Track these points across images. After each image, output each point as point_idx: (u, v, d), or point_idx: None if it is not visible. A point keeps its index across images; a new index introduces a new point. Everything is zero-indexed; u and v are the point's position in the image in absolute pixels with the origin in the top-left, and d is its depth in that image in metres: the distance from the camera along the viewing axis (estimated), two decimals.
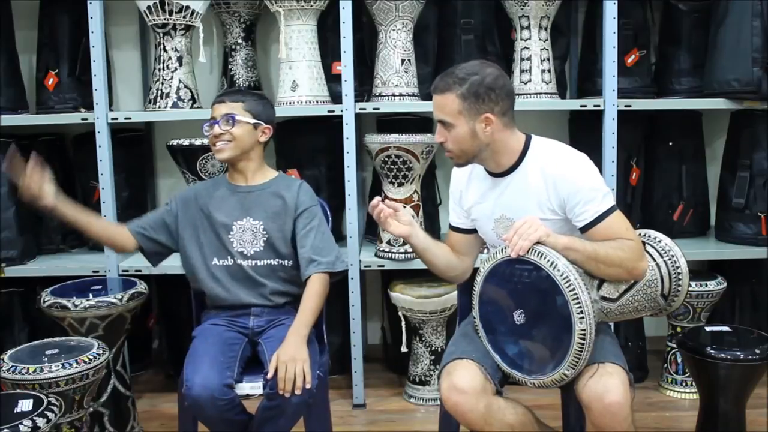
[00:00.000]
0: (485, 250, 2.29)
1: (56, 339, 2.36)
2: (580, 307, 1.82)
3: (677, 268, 2.01)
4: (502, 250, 1.96)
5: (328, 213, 2.46)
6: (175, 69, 3.01)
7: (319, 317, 2.24)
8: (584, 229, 1.97)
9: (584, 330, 1.82)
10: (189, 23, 2.98)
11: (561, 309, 1.84)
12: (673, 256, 2.02)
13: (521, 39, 3.04)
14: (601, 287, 1.95)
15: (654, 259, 2.00)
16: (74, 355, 2.19)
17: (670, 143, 3.24)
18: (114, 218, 2.97)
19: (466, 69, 1.98)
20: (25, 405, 1.91)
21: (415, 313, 2.97)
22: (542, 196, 1.99)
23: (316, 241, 2.27)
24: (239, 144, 2.27)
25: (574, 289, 1.82)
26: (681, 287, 2.02)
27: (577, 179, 1.96)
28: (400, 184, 2.93)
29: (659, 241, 2.05)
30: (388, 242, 2.97)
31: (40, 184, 2.14)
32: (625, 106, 2.96)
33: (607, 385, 1.82)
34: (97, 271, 2.99)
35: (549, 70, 3.05)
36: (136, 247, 2.34)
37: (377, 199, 2.09)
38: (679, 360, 3.04)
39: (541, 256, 1.87)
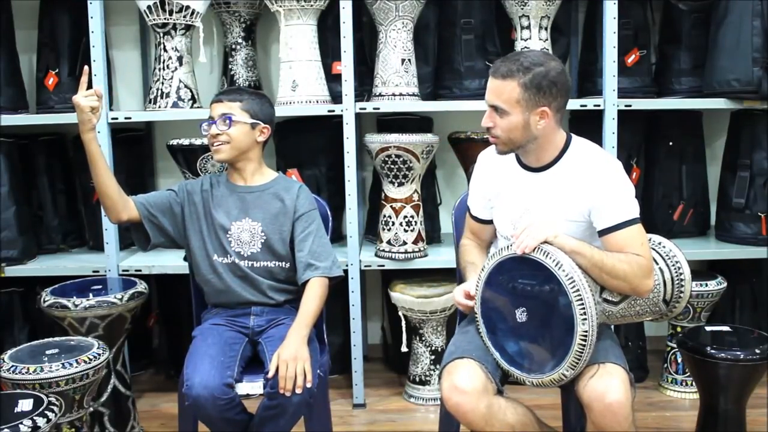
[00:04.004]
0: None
1: (56, 339, 2.36)
2: (583, 308, 1.82)
3: (680, 273, 2.00)
4: (507, 247, 1.96)
5: (329, 213, 2.45)
6: (175, 69, 3.00)
7: (319, 317, 2.25)
8: (602, 233, 1.96)
9: (586, 332, 1.82)
10: (189, 23, 2.97)
11: (564, 309, 1.84)
12: (677, 262, 2.01)
13: (521, 39, 3.04)
14: (604, 289, 1.94)
15: (656, 263, 2.00)
16: (74, 355, 2.19)
17: (670, 143, 3.24)
18: None
19: (531, 58, 1.94)
20: (25, 405, 1.91)
21: (415, 313, 2.97)
22: (574, 197, 1.98)
23: (314, 246, 2.27)
24: (236, 145, 2.26)
25: (578, 290, 1.82)
26: (683, 293, 2.01)
27: (609, 183, 1.95)
28: (400, 184, 2.93)
29: (663, 246, 2.04)
30: (388, 242, 2.97)
31: (94, 106, 2.12)
32: (625, 106, 2.96)
33: (608, 384, 1.82)
34: (97, 271, 2.99)
35: None
36: (135, 219, 2.26)
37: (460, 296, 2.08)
38: (679, 360, 3.04)
39: (546, 255, 1.87)
